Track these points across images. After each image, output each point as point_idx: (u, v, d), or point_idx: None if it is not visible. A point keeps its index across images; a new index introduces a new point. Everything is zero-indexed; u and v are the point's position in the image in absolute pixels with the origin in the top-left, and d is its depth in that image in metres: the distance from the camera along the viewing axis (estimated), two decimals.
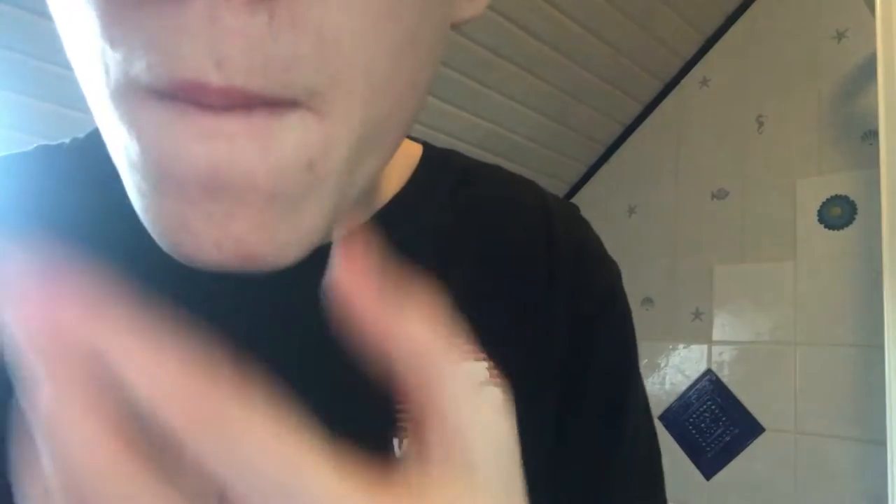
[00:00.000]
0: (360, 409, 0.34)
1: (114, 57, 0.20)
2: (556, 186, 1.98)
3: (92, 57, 0.21)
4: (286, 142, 0.21)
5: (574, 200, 2.01)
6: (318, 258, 0.34)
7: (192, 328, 0.33)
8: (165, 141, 0.21)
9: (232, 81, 0.19)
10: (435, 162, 0.41)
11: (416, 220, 0.38)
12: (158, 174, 0.21)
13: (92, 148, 0.37)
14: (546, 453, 0.40)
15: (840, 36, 1.53)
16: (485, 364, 0.37)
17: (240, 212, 0.21)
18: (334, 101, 0.21)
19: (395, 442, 0.34)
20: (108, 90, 0.21)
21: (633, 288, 1.80)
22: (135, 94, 0.21)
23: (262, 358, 0.33)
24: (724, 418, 1.57)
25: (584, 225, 0.45)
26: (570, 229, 0.43)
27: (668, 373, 1.70)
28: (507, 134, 1.73)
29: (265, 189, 0.21)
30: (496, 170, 0.45)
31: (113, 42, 0.20)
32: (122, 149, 0.22)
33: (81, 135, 0.39)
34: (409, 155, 0.41)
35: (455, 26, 0.30)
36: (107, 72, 0.21)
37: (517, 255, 0.41)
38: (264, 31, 0.19)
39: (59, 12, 0.24)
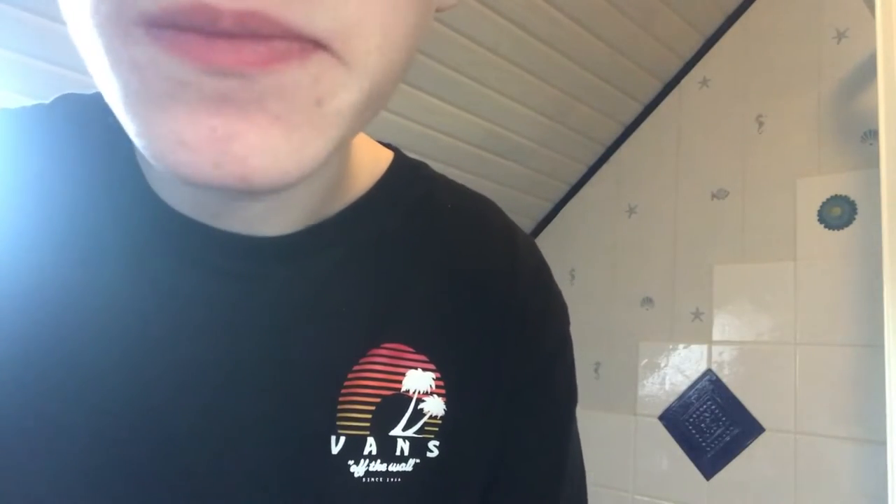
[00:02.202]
0: (302, 407, 0.35)
1: None
2: (555, 186, 1.98)
3: None
4: (302, 77, 0.21)
5: (574, 200, 2.01)
6: (279, 259, 0.35)
7: (150, 326, 0.34)
8: (169, 77, 0.20)
9: (249, 6, 0.19)
10: (404, 170, 0.42)
11: (380, 224, 0.39)
12: (160, 101, 0.21)
13: (60, 117, 0.36)
14: (487, 471, 0.41)
15: (840, 36, 1.53)
16: (432, 374, 0.38)
17: (243, 128, 0.21)
18: (353, 47, 0.22)
19: (332, 439, 0.35)
20: (97, 22, 0.21)
21: (633, 288, 1.80)
22: (125, 28, 0.20)
23: (211, 347, 0.34)
24: (724, 418, 1.57)
25: (542, 259, 0.46)
26: (531, 260, 0.44)
27: (668, 373, 1.70)
28: (507, 134, 1.73)
29: (272, 111, 0.21)
30: (462, 187, 0.46)
31: None
32: (114, 83, 0.22)
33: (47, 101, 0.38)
34: (380, 159, 0.41)
35: (439, 11, 0.31)
36: (95, 5, 0.20)
37: (479, 273, 0.41)
38: None
39: None
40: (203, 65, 0.20)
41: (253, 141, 0.21)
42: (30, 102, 0.37)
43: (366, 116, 0.26)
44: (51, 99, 0.37)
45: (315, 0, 0.20)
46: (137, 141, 0.23)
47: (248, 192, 0.22)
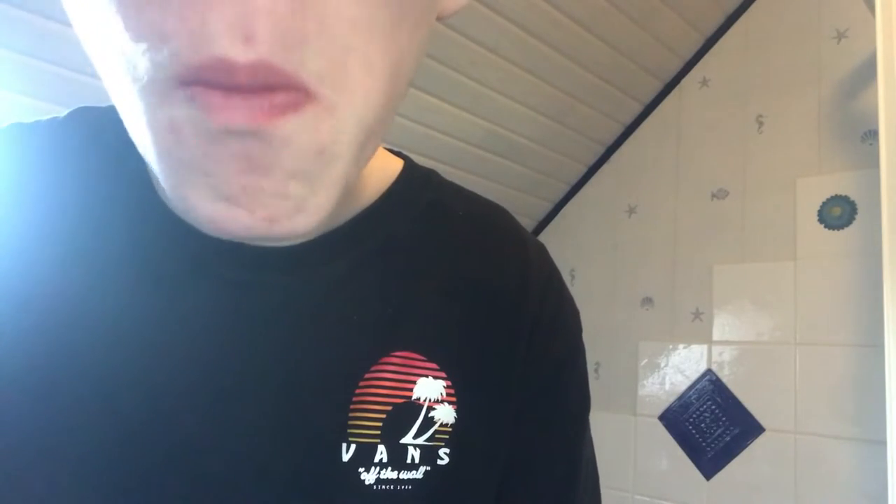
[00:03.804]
0: (312, 414, 0.35)
1: (137, 50, 0.22)
2: (556, 186, 1.98)
3: (116, 56, 0.23)
4: (301, 128, 0.24)
5: (574, 200, 2.01)
6: (288, 269, 0.35)
7: (160, 332, 0.34)
8: (203, 134, 0.23)
9: (260, 56, 0.21)
10: (414, 178, 0.42)
11: (389, 231, 0.39)
12: (195, 163, 0.24)
13: (73, 129, 0.37)
14: (498, 479, 0.41)
15: (840, 36, 1.53)
16: (443, 382, 0.38)
17: (267, 184, 0.24)
18: (341, 89, 0.24)
19: (343, 446, 0.35)
20: (134, 84, 0.23)
21: (633, 288, 1.80)
22: (162, 88, 0.22)
23: (220, 354, 0.34)
24: (724, 418, 1.57)
25: (554, 266, 0.46)
26: (543, 267, 0.44)
27: (668, 373, 1.70)
28: (507, 134, 1.73)
29: (286, 168, 0.24)
30: (473, 194, 0.46)
31: (137, 34, 0.22)
32: (153, 140, 0.24)
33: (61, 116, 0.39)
34: (389, 168, 0.41)
35: (442, 19, 0.31)
36: (134, 68, 0.22)
37: (490, 280, 0.41)
38: (287, 9, 0.21)
39: (77, 17, 0.25)
40: (227, 125, 0.22)
41: (275, 191, 0.24)
42: (30, 102, 0.38)
43: (369, 148, 0.28)
44: (65, 112, 0.38)
45: (306, 45, 0.22)
46: (173, 193, 0.25)
47: (276, 238, 0.25)
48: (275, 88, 0.22)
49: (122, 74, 0.23)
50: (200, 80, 0.22)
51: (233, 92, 0.22)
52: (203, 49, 0.21)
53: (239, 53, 0.21)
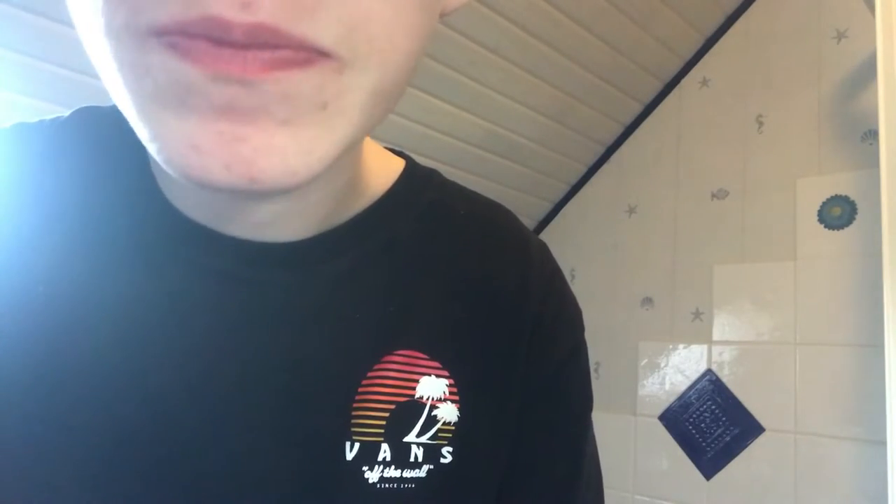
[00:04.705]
0: (315, 413, 0.35)
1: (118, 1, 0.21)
2: (556, 186, 1.98)
3: (95, 12, 0.22)
4: (304, 84, 0.22)
5: (574, 200, 2.01)
6: (290, 266, 0.35)
7: (162, 331, 0.34)
8: (180, 82, 0.21)
9: (259, 19, 0.20)
10: (415, 178, 0.42)
11: (391, 230, 0.39)
12: (172, 106, 0.22)
13: (76, 128, 0.37)
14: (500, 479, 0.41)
15: (840, 36, 1.53)
16: (445, 381, 0.38)
17: (250, 132, 0.22)
18: (357, 51, 0.22)
19: (347, 445, 0.35)
20: (112, 33, 0.21)
21: (633, 288, 1.80)
22: (140, 36, 0.21)
23: (222, 352, 0.34)
24: (724, 418, 1.57)
25: (556, 265, 0.46)
26: (545, 266, 0.44)
27: (668, 373, 1.70)
28: (507, 134, 1.73)
29: (278, 116, 0.22)
30: (475, 194, 0.46)
31: None
32: (129, 89, 0.22)
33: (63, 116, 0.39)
34: (391, 168, 0.41)
35: (442, 16, 0.31)
36: (110, 15, 0.21)
37: (492, 279, 0.41)
38: None
39: None
40: (210, 72, 0.20)
41: (260, 143, 0.22)
42: (30, 102, 0.38)
43: (374, 117, 0.26)
44: (68, 112, 0.38)
45: (321, 12, 0.21)
46: (150, 146, 0.23)
47: (259, 194, 0.23)
48: (278, 46, 0.21)
49: (100, 21, 0.22)
50: (185, 32, 0.20)
51: (224, 44, 0.20)
52: (194, 7, 0.19)
53: (235, 16, 0.20)
